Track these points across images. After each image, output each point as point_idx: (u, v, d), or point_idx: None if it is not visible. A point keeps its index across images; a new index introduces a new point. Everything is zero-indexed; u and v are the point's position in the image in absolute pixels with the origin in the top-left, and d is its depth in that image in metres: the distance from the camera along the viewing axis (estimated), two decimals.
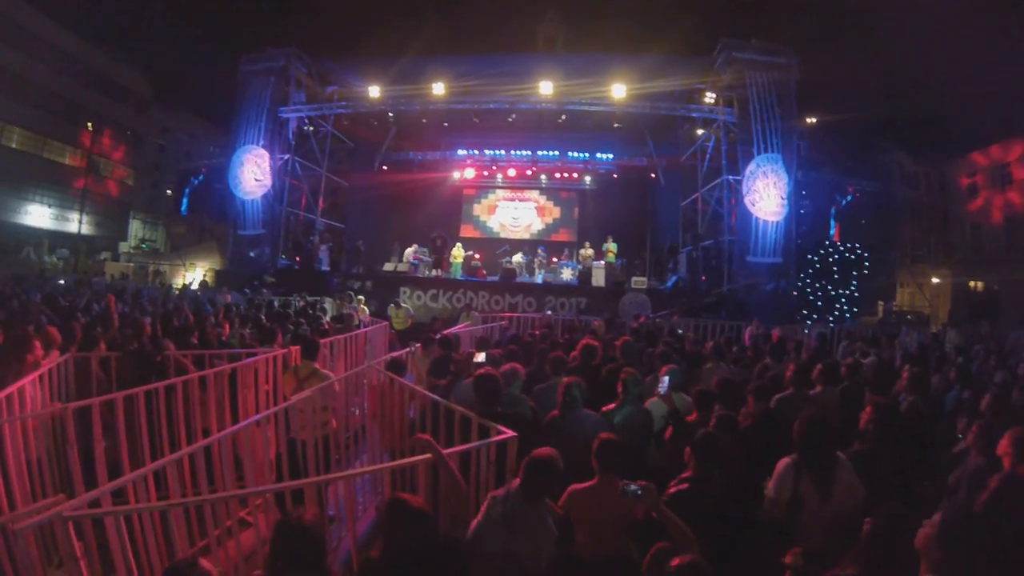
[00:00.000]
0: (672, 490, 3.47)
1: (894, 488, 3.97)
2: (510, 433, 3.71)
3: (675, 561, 2.44)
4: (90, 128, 34.75)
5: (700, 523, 3.14)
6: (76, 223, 34.02)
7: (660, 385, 5.02)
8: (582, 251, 21.43)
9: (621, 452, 3.39)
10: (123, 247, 37.90)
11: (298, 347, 6.82)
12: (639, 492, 2.96)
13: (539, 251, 21.83)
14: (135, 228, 40.92)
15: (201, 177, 27.06)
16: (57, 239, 33.66)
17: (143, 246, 39.63)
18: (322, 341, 7.43)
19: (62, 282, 17.99)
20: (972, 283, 32.83)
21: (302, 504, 3.64)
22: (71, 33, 33.17)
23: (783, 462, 3.62)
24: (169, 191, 44.18)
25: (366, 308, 15.28)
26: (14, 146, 30.99)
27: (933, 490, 4.17)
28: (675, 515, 2.89)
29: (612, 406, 4.87)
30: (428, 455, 3.33)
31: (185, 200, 34.27)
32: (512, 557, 2.79)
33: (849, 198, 24.04)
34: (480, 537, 2.82)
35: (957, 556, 2.23)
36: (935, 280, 34.19)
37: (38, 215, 32.38)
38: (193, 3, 54.93)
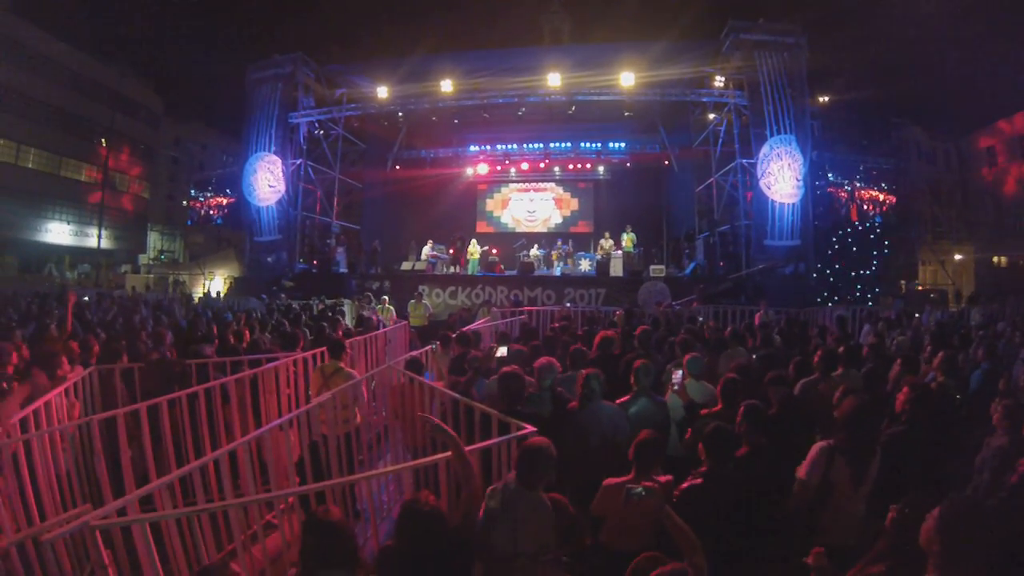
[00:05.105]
0: (686, 484, 3.41)
1: (930, 470, 3.87)
2: (531, 429, 3.67)
3: (655, 571, 2.36)
4: (104, 144, 35.14)
5: (713, 519, 3.06)
6: (95, 238, 34.45)
7: (674, 378, 4.96)
8: (602, 242, 21.27)
9: (660, 451, 3.32)
10: (143, 259, 38.47)
11: (319, 350, 6.86)
12: (643, 494, 2.95)
13: (558, 243, 21.67)
14: (153, 240, 41.40)
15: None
16: (78, 255, 34.28)
17: (162, 257, 40.19)
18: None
19: (87, 298, 18.22)
20: (996, 258, 32.17)
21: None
22: (79, 51, 33.47)
23: (818, 445, 3.54)
24: (184, 202, 44.74)
25: (391, 308, 14.96)
26: (31, 166, 31.36)
27: (963, 472, 4.05)
28: (680, 518, 2.77)
29: (626, 398, 4.77)
30: (448, 452, 3.31)
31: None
32: (514, 544, 2.82)
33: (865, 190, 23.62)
34: (484, 530, 2.87)
35: (957, 550, 2.08)
36: (957, 257, 33.49)
37: (58, 232, 32.83)
38: (198, 14, 55.35)
